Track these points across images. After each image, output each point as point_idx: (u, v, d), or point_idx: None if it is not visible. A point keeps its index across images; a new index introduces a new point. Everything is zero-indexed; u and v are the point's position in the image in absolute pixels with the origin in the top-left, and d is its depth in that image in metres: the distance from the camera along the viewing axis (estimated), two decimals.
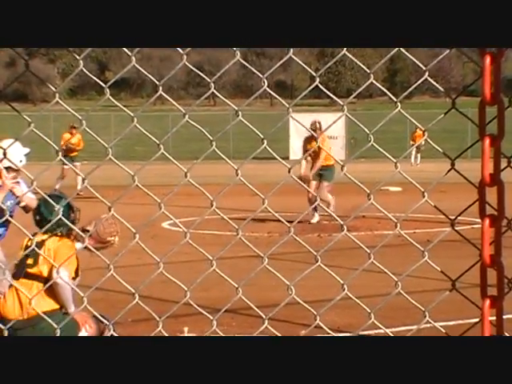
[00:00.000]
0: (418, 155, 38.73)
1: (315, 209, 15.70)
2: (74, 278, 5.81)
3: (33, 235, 5.58)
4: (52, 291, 5.67)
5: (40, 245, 5.75)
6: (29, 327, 5.48)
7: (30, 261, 5.77)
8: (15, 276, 5.79)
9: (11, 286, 5.75)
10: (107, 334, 5.86)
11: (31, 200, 7.09)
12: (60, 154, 2.55)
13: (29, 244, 5.87)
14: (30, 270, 5.75)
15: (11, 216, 6.78)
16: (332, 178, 16.15)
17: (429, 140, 2.66)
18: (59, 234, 5.84)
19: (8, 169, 7.38)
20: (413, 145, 37.82)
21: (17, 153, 7.30)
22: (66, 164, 17.81)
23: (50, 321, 3.37)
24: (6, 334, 2.94)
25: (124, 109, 2.77)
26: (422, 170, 27.73)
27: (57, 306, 5.72)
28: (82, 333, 5.80)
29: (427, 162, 34.78)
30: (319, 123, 16.07)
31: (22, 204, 7.22)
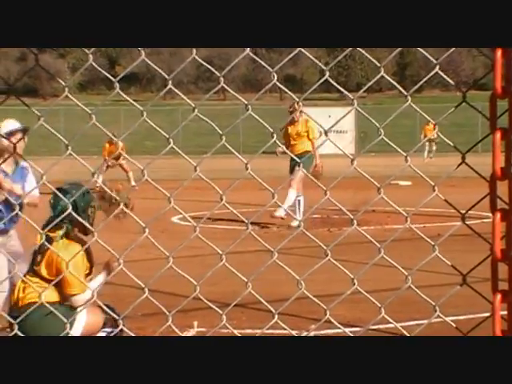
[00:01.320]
0: (433, 149, 38.32)
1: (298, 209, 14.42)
2: (88, 274, 5.75)
3: (42, 229, 5.56)
4: (56, 287, 5.63)
5: (48, 243, 5.68)
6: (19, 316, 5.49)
7: (39, 258, 5.74)
8: (27, 270, 5.80)
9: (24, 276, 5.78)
10: (108, 326, 5.84)
11: (33, 198, 6.98)
12: (72, 149, 2.55)
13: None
14: (35, 268, 5.74)
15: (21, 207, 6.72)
16: (309, 167, 14.23)
17: (440, 134, 2.65)
18: (66, 235, 5.74)
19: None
20: (429, 139, 37.50)
21: (5, 129, 7.06)
22: (109, 162, 17.86)
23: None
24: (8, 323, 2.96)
25: (133, 103, 2.76)
26: (432, 164, 27.68)
27: (56, 299, 5.64)
28: (79, 323, 5.73)
29: (437, 156, 34.71)
30: (298, 104, 14.20)
31: (26, 201, 7.06)
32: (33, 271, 5.74)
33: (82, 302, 5.57)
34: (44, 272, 5.67)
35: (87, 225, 5.64)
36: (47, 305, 3.95)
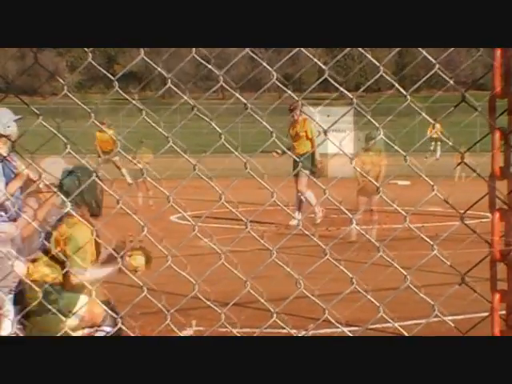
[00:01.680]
0: (438, 148, 37.98)
1: (298, 208, 14.55)
2: (95, 261, 5.71)
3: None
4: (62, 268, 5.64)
5: (58, 223, 5.73)
6: (22, 290, 5.55)
7: (49, 236, 5.78)
8: (40, 247, 5.84)
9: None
10: (107, 325, 5.82)
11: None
12: (70, 148, 2.55)
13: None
14: (46, 247, 5.77)
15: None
16: (311, 167, 14.37)
17: (439, 133, 2.66)
18: (68, 215, 5.75)
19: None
20: (431, 138, 37.19)
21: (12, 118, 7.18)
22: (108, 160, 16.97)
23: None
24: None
25: (133, 101, 2.76)
26: (432, 164, 27.63)
27: (60, 281, 5.61)
28: (80, 308, 5.70)
29: (441, 156, 34.64)
30: (295, 103, 14.40)
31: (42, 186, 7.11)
32: (43, 250, 5.76)
33: (79, 278, 5.54)
34: (52, 249, 5.68)
35: (77, 216, 5.61)
36: (36, 295, 3.94)
